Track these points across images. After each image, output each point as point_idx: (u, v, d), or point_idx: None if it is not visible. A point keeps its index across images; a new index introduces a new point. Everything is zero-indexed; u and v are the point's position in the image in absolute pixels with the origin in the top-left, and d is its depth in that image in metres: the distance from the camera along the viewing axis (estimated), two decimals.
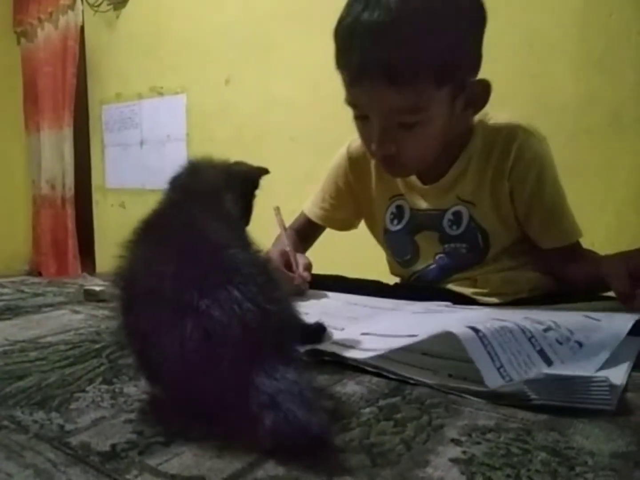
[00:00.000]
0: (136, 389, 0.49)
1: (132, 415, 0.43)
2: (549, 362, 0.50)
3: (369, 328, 0.64)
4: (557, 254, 0.86)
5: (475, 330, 0.49)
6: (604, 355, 0.50)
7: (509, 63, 1.65)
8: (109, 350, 0.60)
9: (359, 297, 0.86)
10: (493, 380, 0.45)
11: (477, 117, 0.85)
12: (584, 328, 0.57)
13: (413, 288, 0.92)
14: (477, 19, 0.75)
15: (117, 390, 0.49)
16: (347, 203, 1.00)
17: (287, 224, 0.98)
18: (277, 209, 0.92)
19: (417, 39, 0.68)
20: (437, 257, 0.91)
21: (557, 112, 1.58)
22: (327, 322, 0.69)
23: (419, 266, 0.93)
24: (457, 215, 0.88)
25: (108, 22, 2.75)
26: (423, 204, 0.90)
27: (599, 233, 1.53)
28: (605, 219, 1.55)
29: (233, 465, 0.35)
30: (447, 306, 0.80)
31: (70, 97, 2.75)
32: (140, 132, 2.65)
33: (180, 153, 2.47)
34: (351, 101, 0.77)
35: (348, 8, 0.73)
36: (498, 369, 0.47)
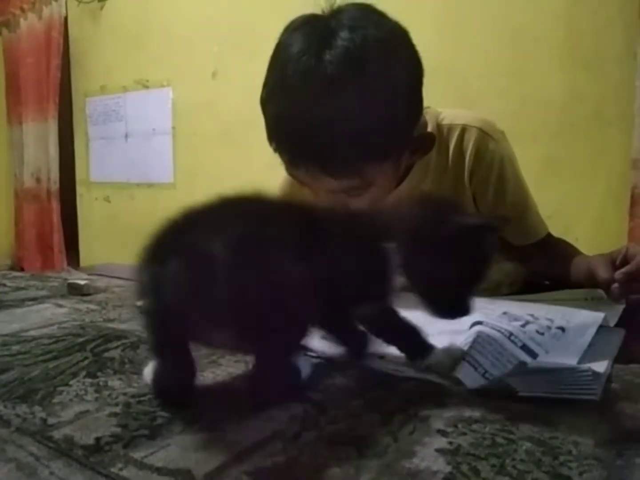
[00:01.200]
0: (121, 382, 0.48)
1: (117, 409, 0.43)
2: (533, 355, 0.50)
3: None
4: (526, 249, 0.86)
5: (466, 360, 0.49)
6: (588, 336, 0.51)
7: (496, 59, 1.66)
8: (93, 344, 0.60)
9: None
10: (475, 382, 0.46)
11: (429, 117, 0.82)
12: (563, 313, 0.58)
13: None
14: (414, 79, 0.70)
15: (101, 383, 0.48)
16: None
17: None
18: None
19: (352, 127, 0.62)
20: None
21: (542, 108, 1.59)
22: None
23: None
24: None
25: (92, 13, 2.70)
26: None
27: (583, 227, 1.55)
28: (589, 213, 1.57)
29: (219, 457, 0.35)
30: None
31: (54, 89, 2.70)
32: (125, 125, 2.61)
33: (165, 147, 2.44)
34: (291, 174, 0.74)
35: (274, 82, 0.68)
36: (482, 375, 0.47)
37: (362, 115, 0.63)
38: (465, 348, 0.49)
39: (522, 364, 0.46)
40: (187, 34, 2.36)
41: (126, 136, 2.61)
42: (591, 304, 0.70)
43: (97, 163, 2.77)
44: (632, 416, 0.41)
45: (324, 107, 0.63)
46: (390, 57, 0.65)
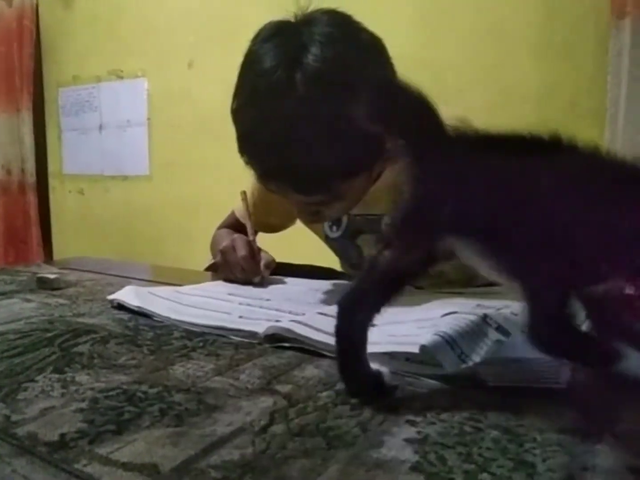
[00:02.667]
0: (89, 377, 0.48)
1: (84, 404, 0.42)
2: (506, 334, 0.51)
3: (326, 309, 0.64)
4: None
5: (442, 336, 0.49)
6: None
7: (472, 52, 1.67)
8: (62, 338, 0.58)
9: (322, 283, 0.86)
10: (453, 365, 0.46)
11: None
12: None
13: None
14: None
15: (68, 379, 0.47)
16: (276, 210, 0.97)
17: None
18: (244, 194, 0.91)
19: (322, 149, 0.63)
20: None
21: (518, 101, 1.61)
22: (289, 308, 0.69)
23: None
24: None
25: (64, 1, 2.64)
26: (359, 209, 0.87)
27: None
28: None
29: (186, 452, 0.35)
30: (409, 291, 0.81)
31: (28, 79, 2.64)
32: (99, 116, 2.57)
33: (141, 138, 2.41)
34: (262, 185, 0.75)
35: (245, 96, 0.68)
36: (459, 356, 0.48)
37: (332, 138, 0.62)
38: (441, 332, 0.49)
39: (498, 342, 0.47)
40: (162, 23, 2.32)
41: (100, 127, 2.57)
42: None
43: (70, 155, 2.72)
44: (596, 403, 0.41)
45: (295, 127, 0.63)
46: (362, 75, 0.64)
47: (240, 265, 0.85)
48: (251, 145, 0.68)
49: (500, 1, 1.63)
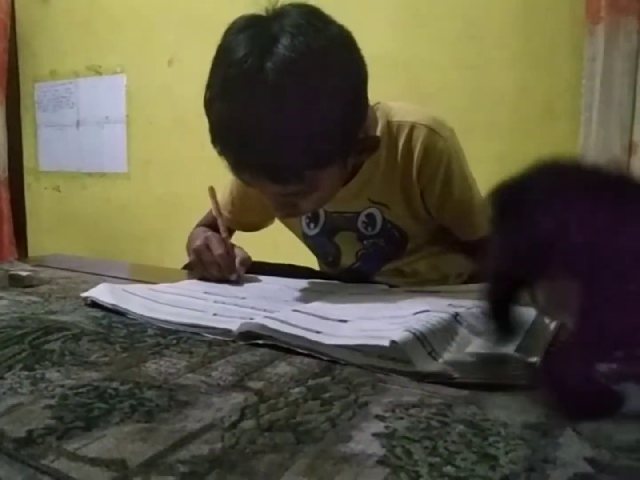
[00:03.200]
0: (59, 374, 0.47)
1: (53, 401, 0.42)
2: (476, 333, 0.52)
3: (300, 306, 0.64)
4: (473, 244, 0.89)
5: (412, 332, 0.49)
6: (526, 325, 0.53)
7: (449, 54, 1.69)
8: (32, 336, 0.58)
9: (299, 281, 0.86)
10: (422, 361, 0.47)
11: (380, 114, 0.83)
12: None
13: (346, 280, 0.93)
14: (356, 85, 0.70)
15: (38, 376, 0.47)
16: (255, 208, 0.97)
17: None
18: (212, 190, 0.90)
19: (294, 137, 0.64)
20: (359, 254, 0.92)
21: (494, 103, 1.64)
22: (264, 306, 0.69)
23: (344, 265, 0.95)
24: (371, 217, 0.88)
25: None
26: (336, 207, 0.88)
27: None
28: None
29: (155, 447, 0.35)
30: (383, 290, 0.82)
31: (2, 73, 2.59)
32: (77, 113, 2.53)
33: (119, 135, 2.38)
34: (236, 176, 0.75)
35: (217, 86, 0.68)
36: (429, 353, 0.48)
37: (304, 125, 0.63)
38: (412, 329, 0.50)
39: (467, 340, 0.48)
40: (142, 19, 2.30)
41: (78, 124, 2.53)
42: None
43: (46, 151, 2.68)
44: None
45: (267, 116, 0.63)
46: (331, 66, 0.66)
47: (216, 264, 0.85)
48: (224, 134, 0.68)
49: (477, 4, 1.65)
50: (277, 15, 0.67)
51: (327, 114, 0.65)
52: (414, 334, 0.48)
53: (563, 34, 1.56)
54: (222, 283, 0.85)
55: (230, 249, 0.87)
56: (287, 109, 0.63)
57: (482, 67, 1.65)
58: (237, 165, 0.70)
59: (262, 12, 0.68)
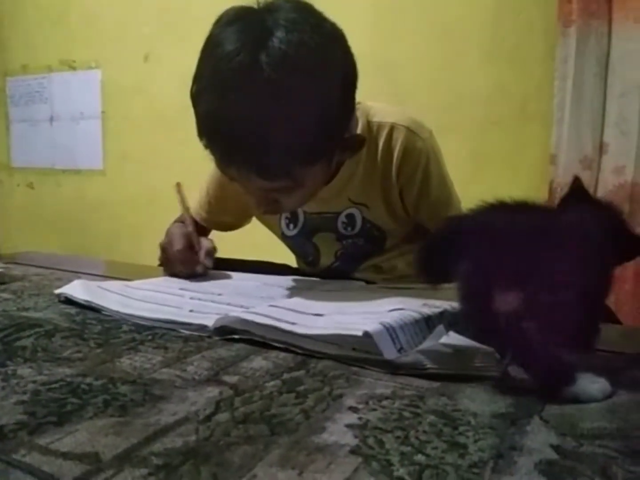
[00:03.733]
0: (31, 371, 0.47)
1: (25, 397, 0.41)
2: (444, 333, 0.53)
3: (277, 301, 0.65)
4: None
5: (385, 326, 0.50)
6: None
7: (424, 53, 1.71)
8: (4, 333, 0.57)
9: (276, 278, 0.86)
10: (391, 355, 0.48)
11: (360, 113, 0.84)
12: None
13: (325, 278, 0.93)
14: (347, 84, 0.70)
15: (9, 372, 0.46)
16: (233, 208, 0.96)
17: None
18: (178, 186, 0.89)
19: (286, 132, 0.63)
20: (338, 254, 0.93)
21: (468, 103, 1.66)
22: (241, 302, 0.69)
23: (323, 265, 0.95)
24: (351, 217, 0.89)
25: None
26: (316, 207, 0.88)
27: None
28: None
29: (129, 440, 0.35)
30: (360, 286, 0.83)
31: None
32: (50, 108, 2.49)
33: (94, 131, 2.35)
34: (221, 170, 0.74)
35: (207, 78, 0.67)
36: (398, 350, 0.49)
37: (296, 120, 0.63)
38: (385, 323, 0.51)
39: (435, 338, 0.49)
40: (117, 13, 2.27)
41: (51, 119, 2.49)
42: None
43: (19, 147, 2.62)
44: (527, 390, 0.44)
45: (259, 109, 0.62)
46: (326, 63, 0.66)
47: (178, 260, 0.84)
48: (212, 128, 0.67)
49: (453, 6, 1.67)
50: (269, 8, 0.66)
51: (320, 111, 0.65)
52: (387, 328, 0.49)
53: (536, 36, 1.59)
54: (192, 279, 0.84)
55: (195, 243, 0.86)
56: (282, 103, 0.62)
57: (457, 67, 1.67)
58: (224, 159, 0.69)
59: (253, 5, 0.67)
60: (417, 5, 1.71)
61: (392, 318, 0.52)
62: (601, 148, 1.49)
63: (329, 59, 0.66)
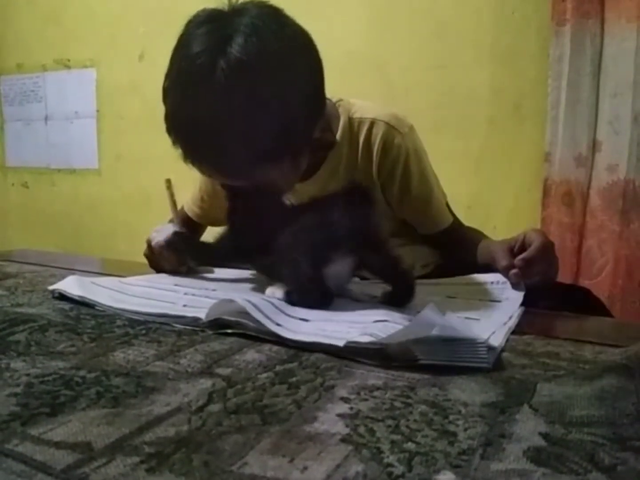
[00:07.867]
0: (24, 364, 0.47)
1: (18, 389, 0.42)
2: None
3: (271, 297, 0.65)
4: (433, 237, 0.92)
5: (367, 334, 0.51)
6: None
7: (419, 53, 1.71)
8: None
9: None
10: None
11: (342, 110, 0.85)
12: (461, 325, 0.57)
13: None
14: (311, 86, 0.71)
15: (3, 366, 0.46)
16: (222, 205, 0.93)
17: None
18: (168, 182, 0.89)
19: (240, 135, 0.65)
20: None
21: (463, 102, 1.66)
22: (234, 298, 0.69)
23: None
24: None
25: None
26: (303, 200, 0.89)
27: (500, 217, 1.63)
28: (505, 203, 1.66)
29: (121, 430, 0.35)
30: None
31: None
32: (45, 107, 2.48)
33: (89, 131, 2.34)
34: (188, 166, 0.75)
35: (173, 77, 0.69)
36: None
37: (250, 124, 0.65)
38: (368, 332, 0.51)
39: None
40: (112, 12, 2.26)
41: (46, 119, 2.48)
42: (497, 287, 0.75)
43: (13, 146, 2.61)
44: (518, 380, 0.44)
45: (215, 113, 0.64)
46: (282, 69, 0.67)
47: (161, 255, 0.85)
48: (175, 125, 0.69)
49: (448, 5, 1.68)
50: (236, 12, 0.67)
51: (275, 115, 0.66)
52: (371, 337, 0.50)
53: (530, 35, 1.60)
54: (186, 275, 0.84)
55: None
56: (235, 109, 0.64)
57: (452, 66, 1.68)
58: (187, 156, 0.70)
59: (224, 7, 0.68)
60: (412, 4, 1.71)
61: (376, 328, 0.53)
62: (595, 146, 1.50)
63: (286, 65, 0.67)
